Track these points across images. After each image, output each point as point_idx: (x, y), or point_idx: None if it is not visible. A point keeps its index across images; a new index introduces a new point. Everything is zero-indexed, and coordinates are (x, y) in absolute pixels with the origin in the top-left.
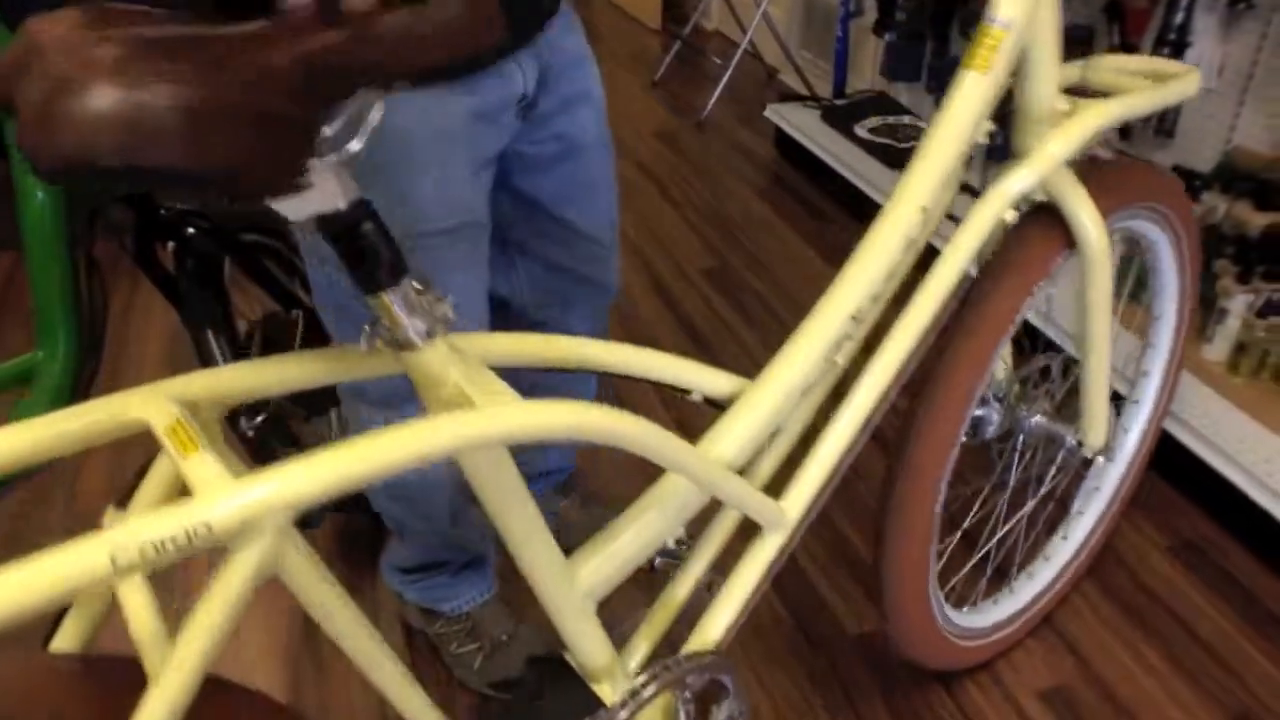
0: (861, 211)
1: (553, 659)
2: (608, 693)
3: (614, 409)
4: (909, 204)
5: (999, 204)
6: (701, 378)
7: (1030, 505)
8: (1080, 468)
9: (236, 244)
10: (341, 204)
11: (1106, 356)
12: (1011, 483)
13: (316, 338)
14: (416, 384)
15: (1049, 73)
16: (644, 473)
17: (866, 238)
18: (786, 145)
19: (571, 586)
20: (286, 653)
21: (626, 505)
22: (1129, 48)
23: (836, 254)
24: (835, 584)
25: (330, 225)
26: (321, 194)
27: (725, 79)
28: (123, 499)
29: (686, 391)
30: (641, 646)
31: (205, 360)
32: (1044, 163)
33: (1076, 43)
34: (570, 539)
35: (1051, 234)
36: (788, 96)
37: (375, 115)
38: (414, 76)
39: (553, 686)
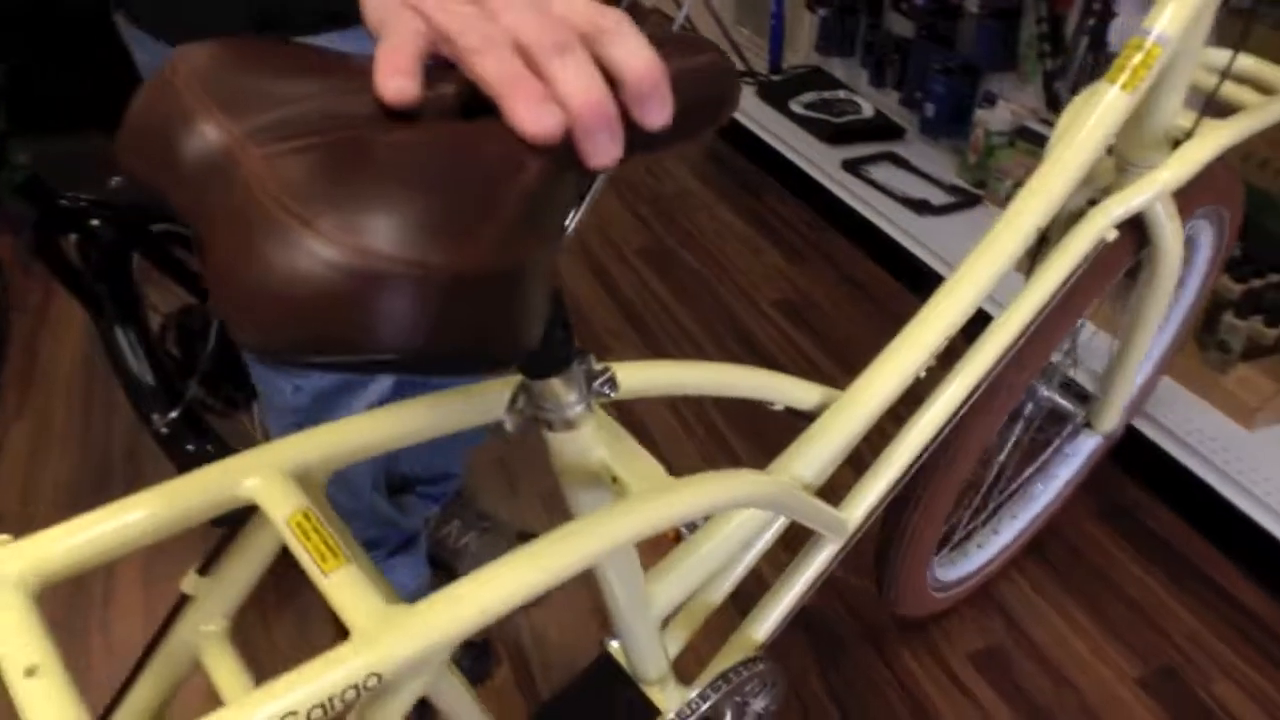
0: (796, 187)
1: (603, 657)
2: (659, 696)
3: (732, 472)
4: (1024, 225)
5: (1104, 223)
6: (787, 390)
7: (1029, 473)
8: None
9: (145, 235)
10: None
11: (1144, 351)
12: (1008, 449)
13: None
14: (556, 458)
15: (1182, 89)
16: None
17: (971, 256)
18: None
19: (647, 607)
20: None
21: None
22: (1055, 19)
23: (771, 230)
24: (767, 554)
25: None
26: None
27: None
28: (205, 565)
29: (770, 404)
30: (677, 638)
31: (115, 359)
32: (1157, 187)
33: (1003, 15)
34: (463, 565)
35: (1128, 240)
36: None
37: (595, 190)
38: (659, 150)
39: (607, 687)
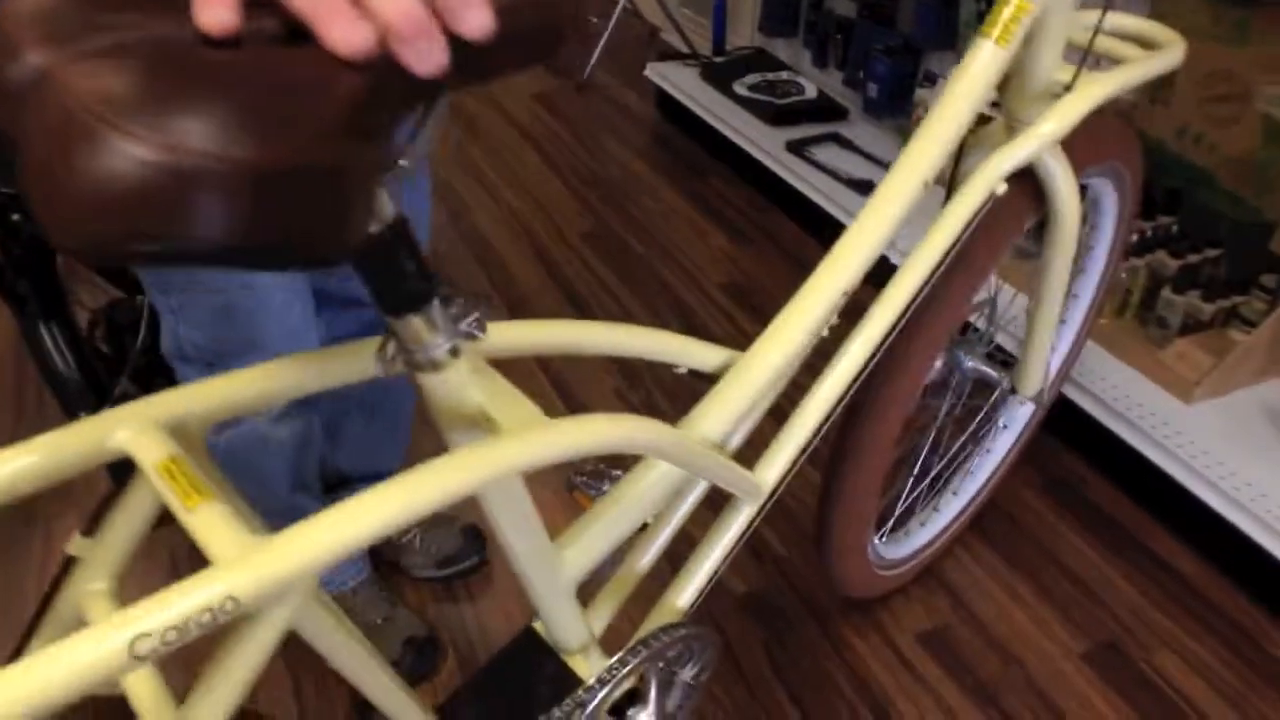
0: (741, 169)
1: (525, 631)
2: (581, 665)
3: (620, 415)
4: (913, 177)
5: (993, 177)
6: (690, 351)
7: (960, 442)
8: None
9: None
10: (377, 227)
11: (1056, 310)
12: (939, 421)
13: None
14: (429, 402)
15: (1057, 42)
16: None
17: (865, 210)
18: (667, 104)
19: (558, 572)
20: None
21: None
22: None
23: (716, 213)
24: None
25: (362, 250)
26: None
27: (604, 39)
28: (90, 526)
29: (674, 366)
30: (605, 610)
31: (40, 358)
32: (1040, 139)
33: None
34: (410, 561)
35: (1025, 196)
36: (668, 55)
37: (433, 123)
38: (494, 75)
39: (528, 660)
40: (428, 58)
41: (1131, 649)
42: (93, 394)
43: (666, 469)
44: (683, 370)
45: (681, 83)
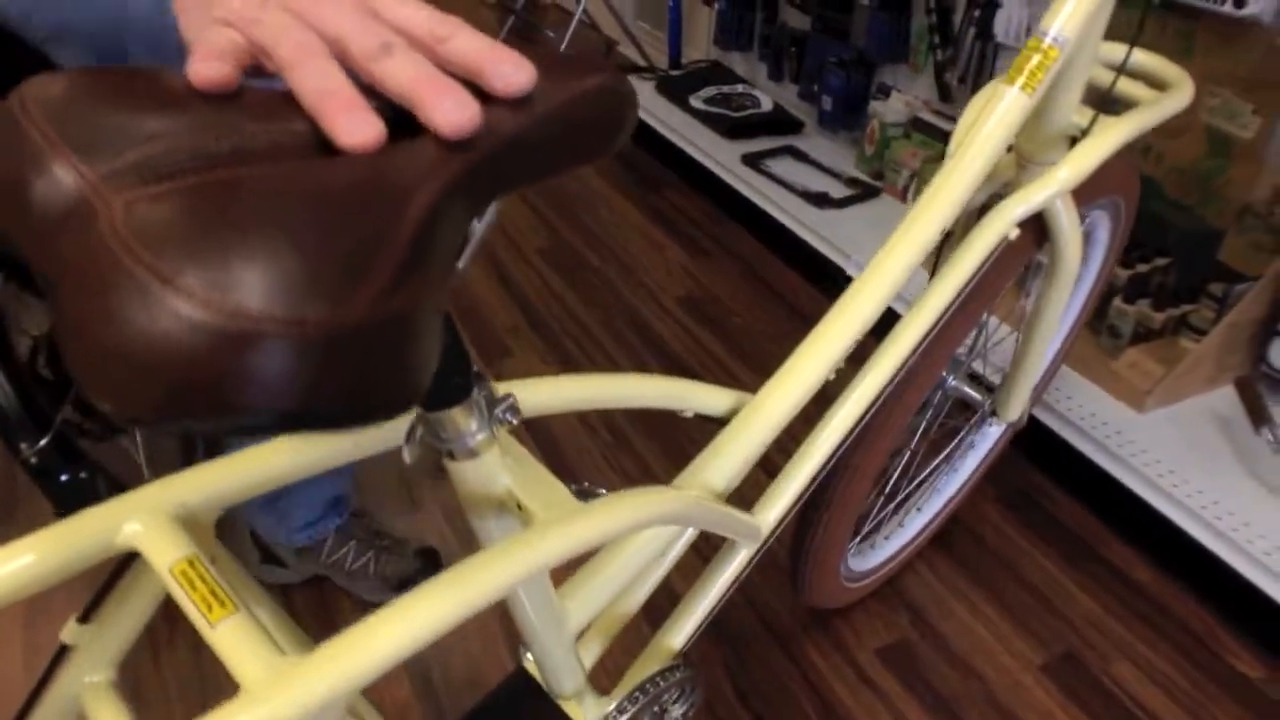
0: (698, 182)
1: (517, 673)
2: (576, 710)
3: (644, 490)
4: (931, 225)
5: (1008, 223)
6: (697, 396)
7: (935, 463)
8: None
9: (6, 253)
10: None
11: (1049, 342)
12: (916, 439)
13: None
14: (457, 488)
15: (1078, 89)
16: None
17: (880, 256)
18: None
19: (563, 626)
20: None
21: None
22: (944, 10)
23: (673, 226)
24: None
25: None
26: None
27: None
28: (86, 612)
29: (681, 411)
30: (594, 648)
31: None
32: (1055, 187)
33: (894, 7)
34: (362, 588)
35: (1029, 235)
36: (624, 69)
37: (483, 226)
38: (552, 172)
39: (522, 704)
40: (457, 112)
41: (1090, 660)
42: (32, 422)
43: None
44: (689, 414)
45: (638, 96)
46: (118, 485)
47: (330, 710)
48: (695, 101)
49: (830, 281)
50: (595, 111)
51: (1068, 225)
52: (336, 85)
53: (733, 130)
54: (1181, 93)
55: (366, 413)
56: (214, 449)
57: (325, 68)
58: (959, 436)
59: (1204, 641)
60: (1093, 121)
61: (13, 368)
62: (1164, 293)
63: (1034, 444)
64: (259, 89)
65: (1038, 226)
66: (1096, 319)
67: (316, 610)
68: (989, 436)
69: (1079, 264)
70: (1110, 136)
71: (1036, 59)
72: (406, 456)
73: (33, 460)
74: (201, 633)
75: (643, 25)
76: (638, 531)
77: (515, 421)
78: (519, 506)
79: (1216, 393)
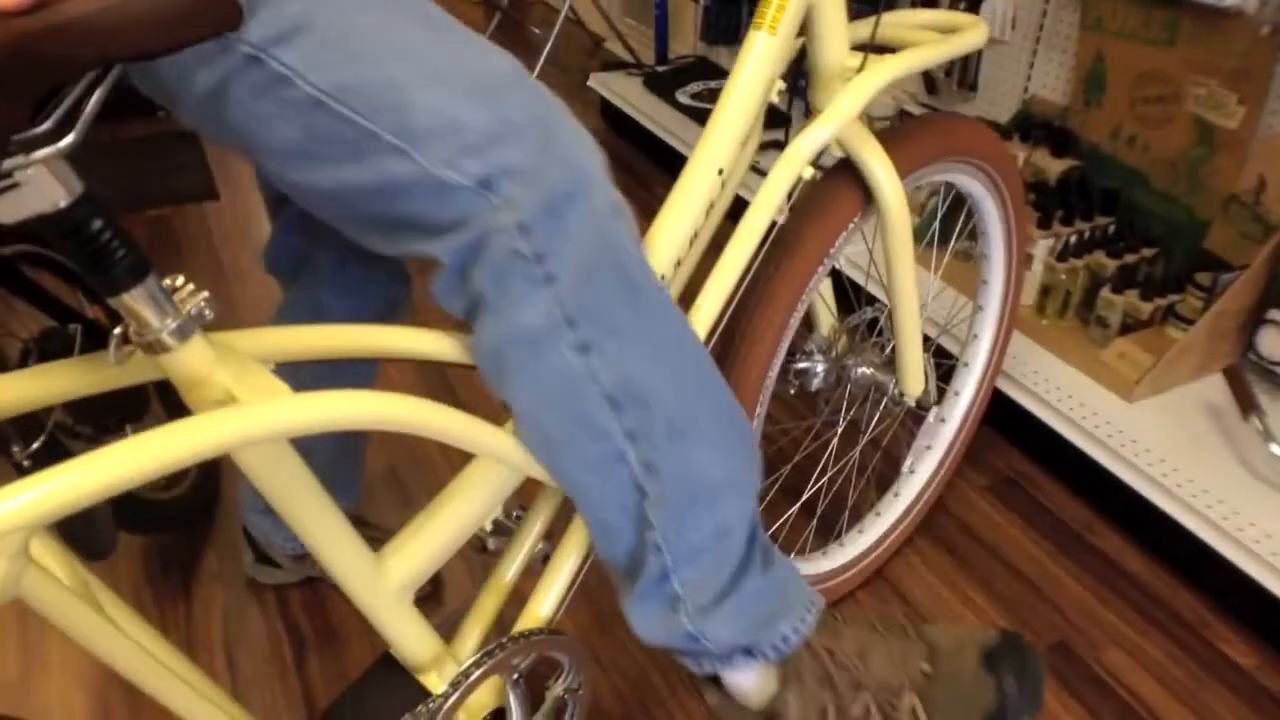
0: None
1: (381, 655)
2: (436, 683)
3: (401, 395)
4: (706, 168)
5: (795, 161)
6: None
7: (854, 452)
8: (911, 423)
9: None
10: (62, 202)
11: (914, 307)
12: (839, 431)
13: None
14: (179, 388)
15: (838, 31)
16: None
17: (666, 203)
18: (611, 114)
19: (382, 583)
20: (94, 684)
21: None
22: (928, 3)
23: None
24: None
25: (53, 226)
26: (36, 193)
27: (547, 49)
28: None
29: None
30: (473, 631)
31: None
32: (834, 119)
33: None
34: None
35: (850, 190)
36: (612, 65)
37: (94, 102)
38: (133, 58)
39: (379, 682)
40: None
41: (1082, 648)
42: (23, 426)
43: (496, 469)
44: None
45: (625, 92)
46: None
47: (8, 537)
48: (682, 96)
49: None
50: None
51: (883, 178)
52: None
53: None
54: (971, 34)
55: None
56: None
57: None
58: (875, 421)
59: (1196, 630)
60: (863, 62)
61: (3, 371)
62: (1151, 283)
63: (1024, 433)
64: None
65: (861, 184)
66: (1085, 309)
67: (312, 610)
68: (942, 437)
69: (906, 219)
70: (881, 71)
71: (773, 1)
72: (111, 357)
73: (25, 464)
74: None
75: (629, 21)
76: (465, 484)
77: (209, 314)
78: (234, 400)
79: (1205, 382)
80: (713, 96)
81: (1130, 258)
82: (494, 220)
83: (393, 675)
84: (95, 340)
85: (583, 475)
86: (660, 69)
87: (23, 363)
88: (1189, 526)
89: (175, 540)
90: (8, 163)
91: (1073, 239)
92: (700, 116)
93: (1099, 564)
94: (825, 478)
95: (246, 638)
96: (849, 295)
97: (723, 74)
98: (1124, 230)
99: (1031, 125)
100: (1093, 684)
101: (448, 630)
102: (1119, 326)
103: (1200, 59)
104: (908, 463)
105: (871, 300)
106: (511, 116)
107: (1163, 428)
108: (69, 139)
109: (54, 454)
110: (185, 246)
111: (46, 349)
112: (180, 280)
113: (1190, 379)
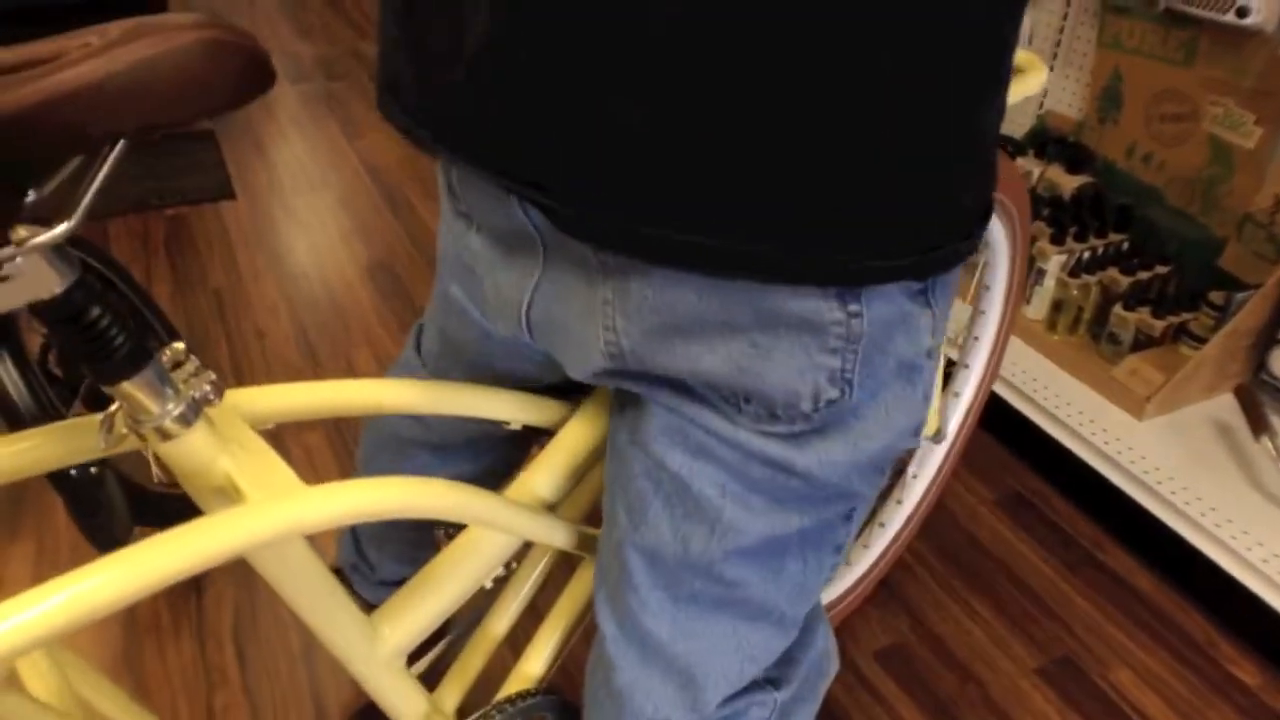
0: None
1: (367, 710)
2: None
3: (414, 479)
4: None
5: None
6: (521, 407)
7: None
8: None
9: None
10: (56, 289)
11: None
12: None
13: None
14: (175, 475)
15: None
16: None
17: None
18: None
19: (376, 648)
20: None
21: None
22: None
23: None
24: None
25: (46, 313)
26: (27, 284)
27: None
28: None
29: (506, 423)
30: (458, 685)
31: None
32: None
33: None
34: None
35: None
36: None
37: (99, 180)
38: (149, 130)
39: None
40: None
41: (1088, 665)
42: (44, 419)
43: (496, 536)
44: (516, 427)
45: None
46: (126, 481)
47: None
48: None
49: None
50: (195, 63)
51: None
52: None
53: None
54: (1034, 78)
55: None
56: None
57: None
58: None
59: (1203, 649)
60: None
61: (25, 365)
62: (1165, 300)
63: (1034, 449)
64: None
65: None
66: (1097, 325)
67: None
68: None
69: None
70: None
71: None
72: (102, 443)
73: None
74: None
75: None
76: (462, 547)
77: (215, 399)
78: (237, 491)
79: (1216, 401)
80: None
81: (1143, 275)
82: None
83: None
84: None
85: None
86: None
87: (44, 357)
88: (1198, 545)
89: None
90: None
91: (1086, 255)
92: None
93: (1107, 581)
94: None
95: (256, 631)
96: None
97: None
98: (1138, 247)
99: (1046, 141)
100: (1097, 700)
101: (433, 681)
102: (1131, 343)
103: (1218, 78)
104: (911, 467)
105: None
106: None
107: (1173, 446)
108: (66, 226)
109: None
110: (202, 246)
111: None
112: (184, 356)
113: (1201, 398)
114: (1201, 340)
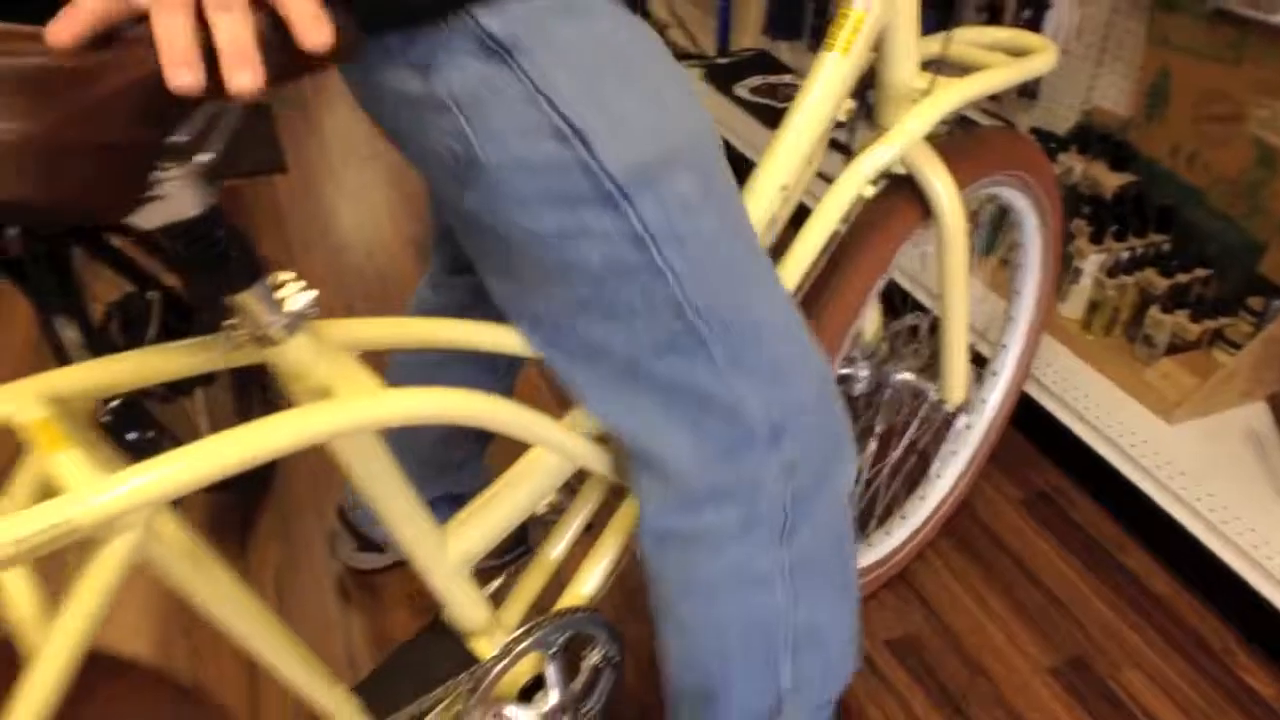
0: (739, 172)
1: (434, 619)
2: (485, 648)
3: (475, 392)
4: (770, 184)
5: (857, 179)
6: None
7: (894, 456)
8: (942, 427)
9: (82, 226)
10: (193, 211)
11: (965, 318)
12: (875, 435)
13: (175, 319)
14: (280, 377)
15: (908, 51)
16: None
17: None
18: None
19: (445, 553)
20: (159, 614)
21: None
22: (994, 8)
23: None
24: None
25: (182, 232)
26: (173, 204)
27: None
28: None
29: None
30: (518, 604)
31: (57, 349)
32: (900, 140)
33: (940, 4)
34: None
35: (910, 204)
36: (673, 54)
37: (230, 121)
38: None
39: (430, 645)
40: (241, 79)
41: (1100, 665)
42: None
43: (552, 460)
44: None
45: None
46: (179, 444)
47: (133, 517)
48: (740, 90)
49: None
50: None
51: (940, 190)
52: (178, 34)
53: (777, 121)
54: (1041, 59)
55: (83, 211)
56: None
57: (178, 16)
58: (916, 427)
59: (1219, 656)
60: (931, 84)
61: (87, 332)
62: (1202, 304)
63: (1059, 447)
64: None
65: (920, 198)
66: (1132, 326)
67: (359, 577)
68: (967, 443)
69: (963, 230)
70: (949, 94)
71: (848, 24)
72: (224, 343)
73: (104, 419)
74: (44, 466)
75: (694, 10)
76: (526, 467)
77: (313, 311)
78: (331, 394)
79: (1248, 408)
80: (772, 92)
81: (1182, 277)
82: (769, 472)
83: (444, 639)
84: (171, 307)
85: (734, 684)
86: (721, 61)
87: (105, 325)
88: (1219, 553)
89: (235, 499)
90: (157, 176)
91: (1125, 255)
92: (757, 112)
93: (1125, 583)
94: (860, 482)
95: (297, 596)
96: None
97: (783, 69)
98: (1178, 249)
99: (1091, 137)
100: (1108, 701)
101: (497, 600)
102: (1165, 346)
103: (1266, 79)
104: (935, 466)
105: (916, 306)
106: (805, 395)
107: (1202, 452)
108: (209, 155)
109: (131, 413)
110: (256, 218)
111: (128, 314)
112: (292, 276)
113: (1234, 405)
114: (1238, 346)
